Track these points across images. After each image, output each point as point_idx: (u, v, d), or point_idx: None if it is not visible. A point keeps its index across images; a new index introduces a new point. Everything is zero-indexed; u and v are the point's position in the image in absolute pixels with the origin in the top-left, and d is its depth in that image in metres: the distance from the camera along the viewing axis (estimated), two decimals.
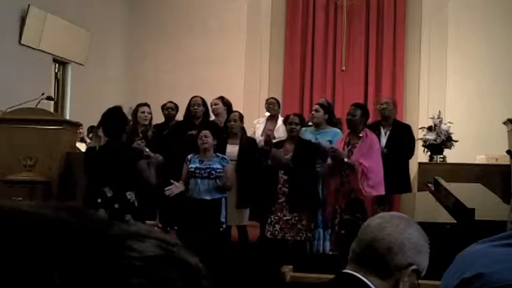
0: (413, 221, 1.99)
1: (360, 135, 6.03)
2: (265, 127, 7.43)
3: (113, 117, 5.43)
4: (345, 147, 6.06)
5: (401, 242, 1.89)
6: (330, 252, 6.16)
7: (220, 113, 7.12)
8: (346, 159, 5.91)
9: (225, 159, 6.03)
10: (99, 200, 5.28)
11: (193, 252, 0.56)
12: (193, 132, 6.43)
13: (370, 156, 5.96)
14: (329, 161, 6.09)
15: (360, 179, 5.84)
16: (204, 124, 6.68)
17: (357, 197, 5.78)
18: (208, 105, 7.21)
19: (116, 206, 5.25)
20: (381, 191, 5.96)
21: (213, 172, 5.91)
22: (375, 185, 5.89)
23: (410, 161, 7.52)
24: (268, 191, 6.15)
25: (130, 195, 5.29)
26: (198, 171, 5.92)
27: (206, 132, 6.01)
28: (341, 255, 5.83)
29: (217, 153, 6.04)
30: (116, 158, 5.29)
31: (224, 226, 5.93)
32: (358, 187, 5.85)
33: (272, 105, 7.57)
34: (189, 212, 5.88)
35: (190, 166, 5.95)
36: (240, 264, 5.80)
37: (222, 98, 7.35)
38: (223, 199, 5.99)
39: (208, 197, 5.88)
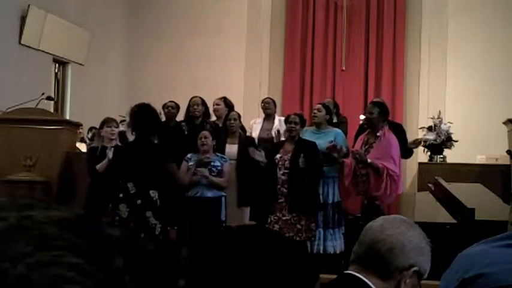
0: (415, 224, 1.99)
1: (378, 134, 5.96)
2: (262, 127, 7.43)
3: (144, 114, 5.44)
4: (363, 146, 6.00)
5: (403, 243, 1.89)
6: (336, 252, 6.17)
7: (222, 114, 7.11)
8: (369, 161, 5.82)
9: (224, 158, 6.06)
10: (121, 195, 5.29)
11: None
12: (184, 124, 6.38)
13: (390, 157, 5.85)
14: (349, 158, 6.03)
15: (386, 181, 5.74)
16: (204, 126, 6.70)
17: (371, 199, 5.75)
18: (210, 105, 7.21)
19: (139, 202, 5.27)
20: (400, 190, 5.94)
21: (214, 169, 5.95)
22: (398, 187, 5.85)
23: (410, 161, 7.53)
24: (268, 192, 6.14)
25: (153, 193, 5.32)
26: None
27: (206, 133, 6.05)
28: (342, 254, 5.85)
29: (217, 153, 6.08)
30: (146, 156, 5.30)
31: (224, 225, 5.93)
32: (378, 187, 5.77)
33: (268, 105, 7.57)
34: (191, 210, 5.90)
35: (190, 164, 5.99)
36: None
37: (224, 99, 7.34)
38: (222, 198, 6.01)
39: (209, 195, 5.92)
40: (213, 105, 7.27)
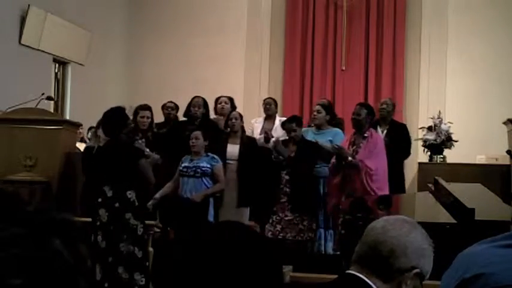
0: (418, 225, 1.98)
1: (365, 135, 6.01)
2: (263, 127, 7.42)
3: (113, 117, 5.43)
4: (350, 147, 6.04)
5: (405, 245, 1.89)
6: (332, 252, 6.17)
7: (226, 113, 7.07)
8: (349, 158, 5.88)
9: (215, 158, 6.03)
10: (100, 200, 5.28)
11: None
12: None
13: (375, 156, 5.93)
14: (333, 160, 6.08)
15: (364, 179, 5.81)
16: (203, 125, 6.68)
17: (360, 197, 5.78)
18: (211, 102, 7.17)
19: (117, 205, 5.24)
20: (386, 191, 5.95)
21: (199, 170, 5.94)
22: (380, 185, 5.87)
23: (410, 161, 7.52)
24: (270, 191, 6.15)
25: (130, 194, 5.29)
26: (185, 169, 5.96)
27: (197, 133, 6.04)
28: (342, 255, 5.85)
29: (208, 153, 6.05)
30: (116, 157, 5.29)
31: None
32: (361, 186, 5.82)
33: (269, 105, 7.55)
34: (178, 211, 5.91)
35: (181, 166, 6.00)
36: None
37: (231, 100, 7.27)
38: (210, 199, 5.99)
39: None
40: (219, 102, 7.21)
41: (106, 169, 5.33)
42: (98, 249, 5.18)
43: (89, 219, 5.31)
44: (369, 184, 5.81)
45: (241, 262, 1.09)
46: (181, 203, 5.92)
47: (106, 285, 5.16)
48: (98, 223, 5.25)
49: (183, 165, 6.01)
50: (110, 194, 5.27)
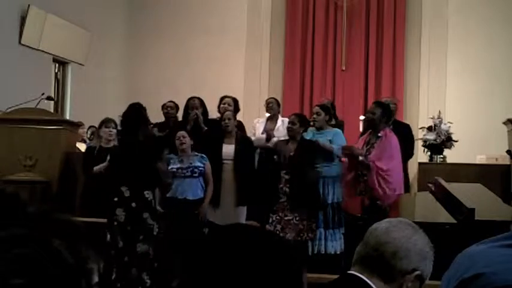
0: (419, 228, 1.99)
1: (379, 134, 5.93)
2: (265, 127, 7.41)
3: (131, 116, 5.42)
4: (365, 146, 5.98)
5: (407, 247, 1.90)
6: (333, 252, 6.17)
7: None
8: (360, 158, 5.82)
9: (204, 157, 6.02)
10: (116, 199, 5.25)
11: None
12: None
13: (389, 157, 5.83)
14: (339, 159, 6.05)
15: (376, 180, 5.75)
16: (206, 125, 6.69)
17: (373, 199, 5.73)
18: (212, 102, 7.15)
19: (133, 205, 5.22)
20: (401, 191, 5.91)
21: (196, 170, 5.92)
22: (394, 186, 5.82)
23: (410, 161, 7.50)
24: (270, 191, 6.13)
25: (148, 194, 5.28)
26: (180, 170, 5.91)
27: (183, 132, 6.03)
28: (343, 254, 5.85)
29: (196, 153, 6.04)
30: (134, 157, 5.27)
31: (207, 229, 5.89)
32: (373, 187, 5.77)
33: (271, 105, 7.54)
34: (175, 212, 5.89)
35: (171, 167, 5.93)
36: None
37: (235, 102, 7.22)
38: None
39: (191, 197, 5.89)
40: (223, 103, 7.18)
41: (123, 169, 5.30)
42: (115, 249, 5.15)
43: (89, 219, 5.30)
44: (381, 185, 5.75)
45: (261, 265, 1.08)
46: (177, 204, 5.88)
47: (118, 285, 5.15)
48: (115, 223, 5.22)
49: (174, 166, 5.95)
50: (127, 194, 5.24)
